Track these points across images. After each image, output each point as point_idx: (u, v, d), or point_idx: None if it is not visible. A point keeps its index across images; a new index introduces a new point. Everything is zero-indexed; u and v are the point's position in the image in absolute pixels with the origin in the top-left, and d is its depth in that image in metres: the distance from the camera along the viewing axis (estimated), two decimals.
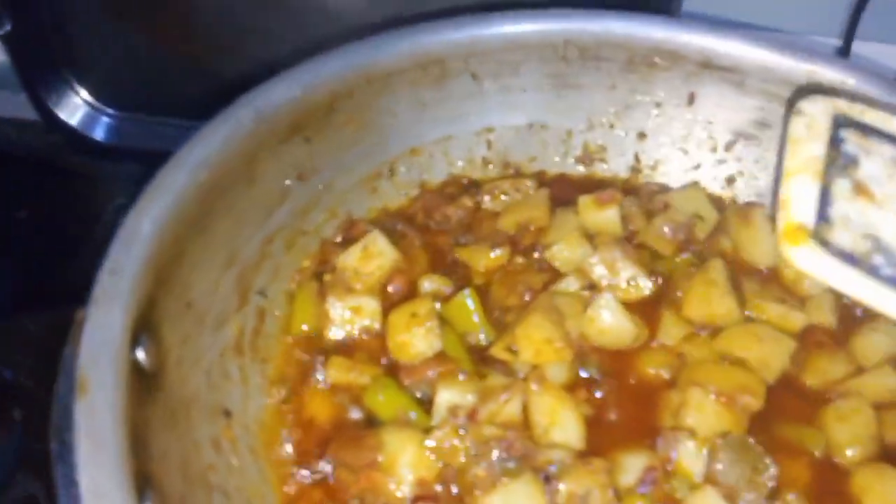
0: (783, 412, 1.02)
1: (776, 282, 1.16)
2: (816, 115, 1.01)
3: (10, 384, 0.71)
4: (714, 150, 1.29)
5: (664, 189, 1.28)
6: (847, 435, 1.00)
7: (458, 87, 1.24)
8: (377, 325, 1.07)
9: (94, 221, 1.47)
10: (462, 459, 0.93)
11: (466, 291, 1.08)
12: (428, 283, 1.12)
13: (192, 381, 0.89)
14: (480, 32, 1.20)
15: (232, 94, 1.02)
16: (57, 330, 0.77)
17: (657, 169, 1.32)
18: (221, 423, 0.92)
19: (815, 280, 1.14)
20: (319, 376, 1.02)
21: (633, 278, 1.11)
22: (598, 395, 1.02)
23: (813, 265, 0.97)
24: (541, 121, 1.31)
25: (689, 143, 1.30)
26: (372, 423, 0.99)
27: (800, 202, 1.00)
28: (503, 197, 1.26)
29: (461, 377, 1.00)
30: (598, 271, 1.11)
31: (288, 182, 1.10)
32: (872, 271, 0.94)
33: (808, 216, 0.98)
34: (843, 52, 1.42)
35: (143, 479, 0.69)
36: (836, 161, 0.98)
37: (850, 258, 0.94)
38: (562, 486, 0.90)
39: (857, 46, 1.46)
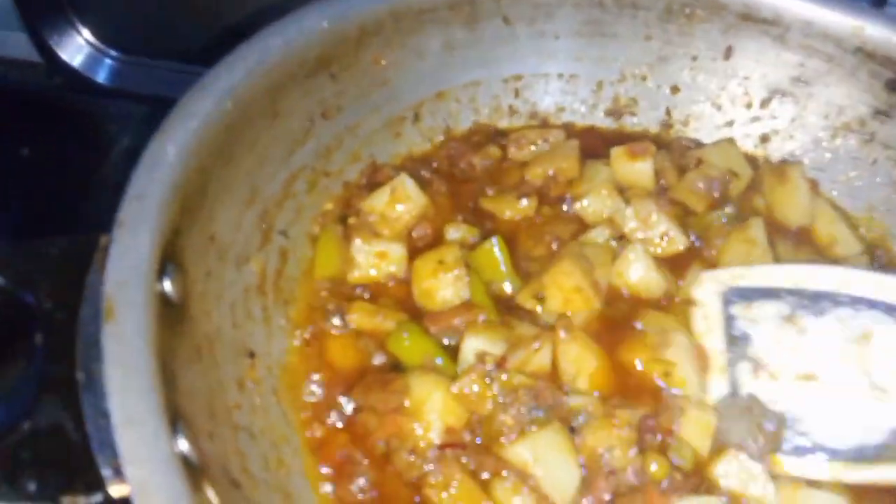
0: None
1: (809, 243, 1.14)
2: (708, 300, 1.01)
3: (31, 308, 0.67)
4: (749, 106, 1.25)
5: (697, 144, 1.24)
6: None
7: (490, 30, 1.19)
8: (403, 272, 1.04)
9: (100, 159, 1.43)
10: (489, 407, 0.90)
11: (494, 239, 1.04)
12: (454, 231, 1.08)
13: (216, 316, 0.86)
14: None
15: (234, 40, 0.97)
16: (78, 254, 0.73)
17: (689, 125, 1.28)
18: (245, 364, 0.88)
19: (847, 243, 1.12)
20: (343, 320, 0.99)
21: (667, 233, 1.08)
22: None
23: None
24: (572, 70, 1.26)
25: (723, 99, 1.26)
26: (396, 370, 0.96)
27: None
28: (531, 147, 1.22)
29: (491, 325, 0.97)
30: (631, 224, 1.08)
31: (312, 119, 1.05)
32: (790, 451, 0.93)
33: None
34: (878, 2, 1.37)
35: (174, 412, 0.65)
36: (735, 344, 0.98)
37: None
38: (585, 443, 0.88)
39: None
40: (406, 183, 1.07)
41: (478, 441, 0.90)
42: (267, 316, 0.95)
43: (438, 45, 1.16)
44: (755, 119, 1.26)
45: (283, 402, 0.91)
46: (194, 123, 0.84)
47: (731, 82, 1.25)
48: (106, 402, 0.61)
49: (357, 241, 1.03)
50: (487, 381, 0.91)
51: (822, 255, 1.13)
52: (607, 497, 0.86)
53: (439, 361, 0.94)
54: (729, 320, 1.00)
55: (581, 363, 0.95)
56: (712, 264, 1.07)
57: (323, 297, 1.01)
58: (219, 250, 0.89)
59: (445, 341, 0.98)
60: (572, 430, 0.90)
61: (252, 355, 0.90)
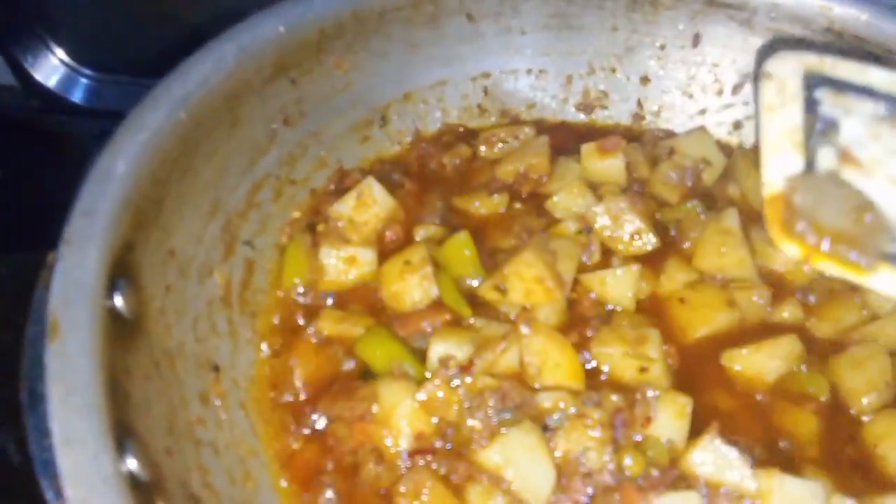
0: None
1: None
2: (786, 76, 0.94)
3: None
4: (720, 93, 1.23)
5: (669, 135, 1.23)
6: (862, 382, 0.96)
7: (453, 28, 1.18)
8: (373, 276, 1.02)
9: (78, 179, 1.41)
10: (455, 411, 0.88)
11: (461, 233, 1.02)
12: (423, 231, 1.07)
13: (177, 332, 0.84)
14: None
15: None
16: (25, 273, 0.71)
17: (660, 115, 1.26)
18: (209, 378, 0.87)
19: None
20: (312, 329, 0.97)
21: (638, 232, 1.06)
22: (589, 334, 0.97)
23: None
24: (540, 65, 1.25)
25: (693, 87, 1.24)
26: (367, 377, 0.94)
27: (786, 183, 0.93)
28: (500, 145, 1.21)
29: (457, 328, 0.95)
30: (602, 222, 1.06)
31: (274, 126, 1.04)
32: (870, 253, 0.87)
33: (797, 200, 0.91)
34: None
35: (122, 429, 0.64)
36: (815, 127, 0.92)
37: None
38: (560, 445, 0.86)
39: None
40: (373, 186, 1.05)
41: (448, 447, 0.88)
42: (233, 328, 0.94)
43: (402, 46, 1.15)
44: (727, 106, 1.24)
45: (251, 415, 0.89)
46: (145, 136, 0.83)
47: (700, 70, 1.23)
48: (48, 422, 0.60)
49: (325, 248, 1.01)
50: (453, 385, 0.89)
51: None
52: (584, 499, 0.84)
53: (408, 367, 0.93)
54: (811, 103, 0.92)
55: (545, 356, 0.92)
56: (688, 257, 1.06)
57: (291, 307, 0.99)
58: (179, 264, 0.88)
59: (416, 346, 0.96)
60: (546, 430, 0.88)
61: (217, 369, 0.88)
